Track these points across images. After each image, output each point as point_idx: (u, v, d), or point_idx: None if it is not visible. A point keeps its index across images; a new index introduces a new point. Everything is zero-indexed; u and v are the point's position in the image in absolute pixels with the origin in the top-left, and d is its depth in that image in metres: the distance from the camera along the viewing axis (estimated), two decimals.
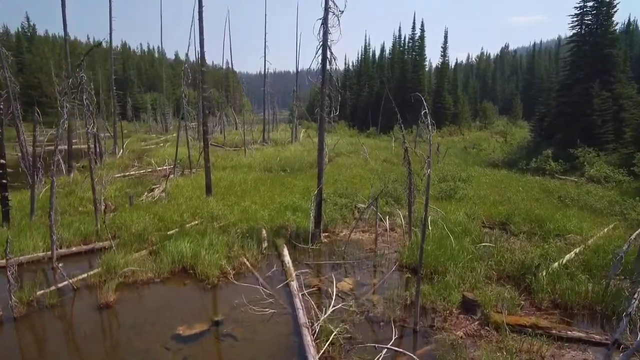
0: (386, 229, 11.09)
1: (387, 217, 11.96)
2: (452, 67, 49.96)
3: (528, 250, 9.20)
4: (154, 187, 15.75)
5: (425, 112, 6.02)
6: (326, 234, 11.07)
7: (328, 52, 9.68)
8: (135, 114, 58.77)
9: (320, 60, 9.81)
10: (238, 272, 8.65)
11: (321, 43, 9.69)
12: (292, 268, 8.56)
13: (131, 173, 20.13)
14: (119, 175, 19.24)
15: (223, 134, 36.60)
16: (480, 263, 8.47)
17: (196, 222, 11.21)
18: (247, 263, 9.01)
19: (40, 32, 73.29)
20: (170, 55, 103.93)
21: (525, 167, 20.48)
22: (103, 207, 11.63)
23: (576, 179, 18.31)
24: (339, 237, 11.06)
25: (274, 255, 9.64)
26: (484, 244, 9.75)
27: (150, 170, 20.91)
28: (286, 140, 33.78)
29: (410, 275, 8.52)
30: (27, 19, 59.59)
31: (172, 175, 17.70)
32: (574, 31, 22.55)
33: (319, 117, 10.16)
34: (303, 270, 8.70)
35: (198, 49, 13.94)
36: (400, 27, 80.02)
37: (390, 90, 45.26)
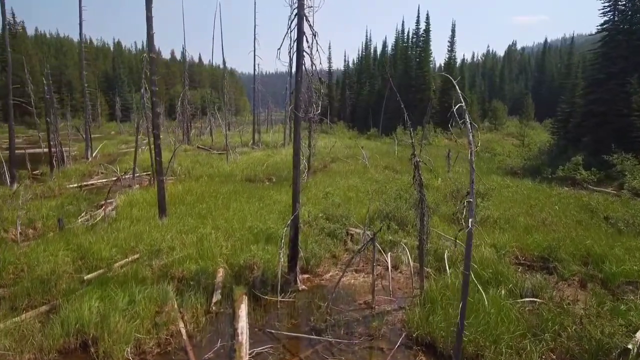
0: (387, 267, 8.15)
1: (389, 249, 9.08)
2: (459, 64, 46.91)
3: (595, 312, 6.28)
4: (102, 202, 12.88)
5: (462, 105, 3.13)
6: (306, 275, 8.16)
7: (305, 24, 6.78)
8: (125, 114, 56.04)
9: (294, 37, 6.91)
10: (165, 350, 5.76)
11: (295, 11, 6.80)
12: (245, 345, 5.66)
13: (90, 182, 17.31)
14: (74, 185, 16.42)
15: (211, 136, 33.73)
16: (530, 338, 5.57)
17: (131, 258, 8.31)
18: (183, 332, 6.11)
19: (31, 30, 70.93)
20: (166, 54, 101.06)
21: (551, 176, 17.50)
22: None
23: (615, 191, 15.37)
24: (324, 279, 8.16)
25: (226, 315, 6.74)
26: (528, 299, 6.84)
27: (115, 178, 18.05)
28: (279, 143, 30.88)
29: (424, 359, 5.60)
30: (13, 15, 56.79)
31: (133, 187, 14.87)
32: (606, 18, 19.57)
33: (293, 116, 7.27)
34: (262, 348, 5.79)
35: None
36: (403, 22, 76.51)
37: (392, 90, 42.31)
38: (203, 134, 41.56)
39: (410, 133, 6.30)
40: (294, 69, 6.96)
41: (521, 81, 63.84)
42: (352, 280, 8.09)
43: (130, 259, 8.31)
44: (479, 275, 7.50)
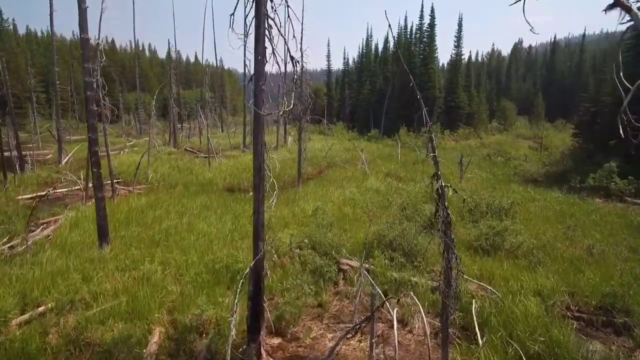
0: (392, 323, 5.77)
1: (393, 293, 6.75)
2: (465, 62, 44.45)
3: None
4: (43, 221, 10.61)
5: None
6: (277, 340, 5.82)
7: None
8: (117, 115, 53.83)
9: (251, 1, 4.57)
10: None
11: None
12: None
13: (47, 193, 14.98)
14: (27, 196, 14.13)
15: (199, 138, 31.44)
16: None
17: (35, 311, 5.99)
18: None
19: (22, 28, 68.85)
20: (162, 53, 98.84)
21: (579, 185, 15.10)
22: None
23: None
24: (304, 345, 5.81)
25: None
26: None
27: (77, 187, 15.80)
28: (271, 145, 28.53)
29: None
30: (0, 12, 54.48)
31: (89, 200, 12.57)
32: (639, 4, 17.10)
33: (252, 114, 4.98)
34: None
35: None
36: (406, 17, 73.76)
37: (395, 88, 39.91)
38: (194, 135, 39.32)
39: (432, 143, 3.87)
40: (250, 49, 4.60)
41: (529, 80, 61.27)
42: (343, 348, 5.73)
43: (35, 312, 6.00)
44: (523, 342, 5.23)
